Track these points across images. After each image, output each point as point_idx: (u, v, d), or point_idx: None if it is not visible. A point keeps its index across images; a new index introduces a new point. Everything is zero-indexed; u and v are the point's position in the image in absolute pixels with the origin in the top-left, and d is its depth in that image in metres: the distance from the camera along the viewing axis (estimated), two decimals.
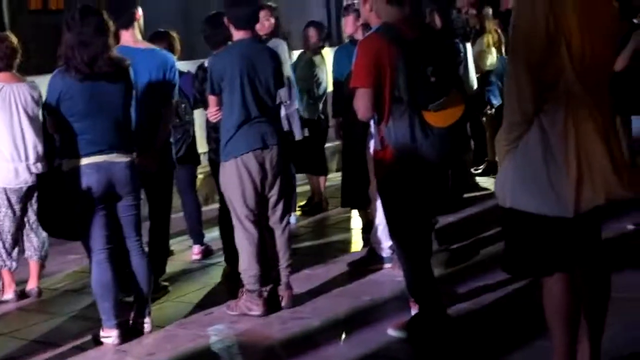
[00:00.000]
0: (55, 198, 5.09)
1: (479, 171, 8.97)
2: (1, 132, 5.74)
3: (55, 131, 5.08)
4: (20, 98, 5.76)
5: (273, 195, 5.35)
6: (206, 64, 5.81)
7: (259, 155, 5.23)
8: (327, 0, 13.09)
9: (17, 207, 5.84)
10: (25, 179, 5.78)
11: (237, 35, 5.33)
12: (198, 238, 6.85)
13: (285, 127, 6.56)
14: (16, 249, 5.93)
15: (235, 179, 5.25)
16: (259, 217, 5.34)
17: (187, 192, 6.81)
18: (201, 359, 4.78)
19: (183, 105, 6.39)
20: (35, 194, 5.72)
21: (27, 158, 5.77)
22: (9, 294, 5.94)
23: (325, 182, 8.15)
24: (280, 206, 5.40)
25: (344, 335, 4.91)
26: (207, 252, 6.79)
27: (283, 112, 6.66)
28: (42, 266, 6.06)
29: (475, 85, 7.95)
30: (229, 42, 5.56)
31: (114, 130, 4.92)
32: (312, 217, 7.92)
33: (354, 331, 4.92)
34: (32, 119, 5.78)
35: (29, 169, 5.77)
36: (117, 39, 5.33)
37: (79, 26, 4.81)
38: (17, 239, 5.92)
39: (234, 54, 5.26)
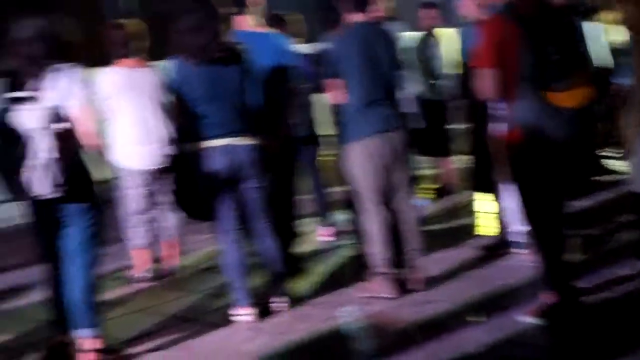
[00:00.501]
0: (188, 179, 5.24)
1: (610, 154, 8.76)
2: (127, 116, 5.94)
3: (179, 115, 5.23)
4: (143, 83, 5.94)
5: (398, 177, 5.37)
6: (323, 47, 5.86)
7: (382, 137, 5.25)
8: None
9: (147, 189, 6.03)
10: (153, 162, 5.95)
11: (352, 17, 5.35)
12: (325, 219, 6.93)
13: (404, 109, 6.56)
14: (149, 229, 6.13)
15: (360, 162, 5.29)
16: (385, 200, 5.37)
17: (311, 174, 6.91)
18: (334, 339, 4.85)
19: (303, 87, 6.45)
20: (170, 175, 5.90)
21: (154, 141, 5.95)
22: (144, 273, 6.16)
23: (452, 165, 8.11)
24: (405, 188, 5.41)
25: (476, 320, 4.90)
26: (335, 234, 6.87)
27: (403, 94, 6.67)
28: (177, 245, 6.26)
29: (603, 64, 7.77)
30: (343, 25, 5.60)
31: (235, 113, 5.03)
32: (442, 200, 7.92)
33: (487, 316, 4.91)
34: (157, 103, 5.94)
35: (156, 151, 5.94)
36: (234, 23, 5.42)
37: (190, 13, 4.94)
38: (150, 219, 6.12)
39: (352, 36, 5.28)
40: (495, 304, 5.07)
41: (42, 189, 4.32)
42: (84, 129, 4.41)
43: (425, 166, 8.27)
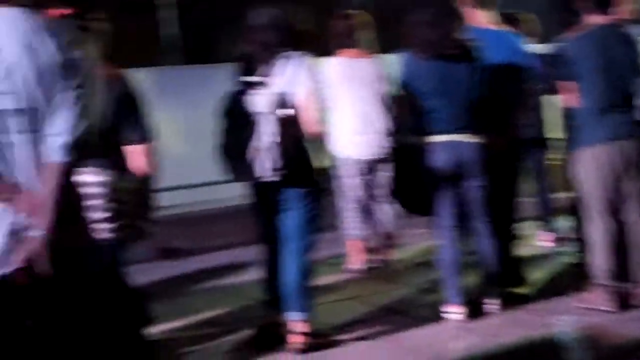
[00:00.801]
0: (409, 173, 5.29)
1: None
2: (347, 106, 6.05)
3: (406, 109, 5.26)
4: (364, 73, 6.02)
5: (628, 187, 5.16)
6: (558, 48, 5.70)
7: (615, 145, 5.06)
8: None
9: (363, 178, 6.12)
10: (369, 152, 6.05)
11: (591, 19, 5.17)
12: (547, 224, 6.78)
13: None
14: (365, 219, 6.22)
15: (589, 170, 5.13)
16: (613, 210, 5.17)
17: (537, 177, 6.78)
18: (546, 347, 4.73)
19: (535, 88, 6.33)
20: (387, 167, 5.98)
21: (371, 132, 6.03)
22: (359, 264, 6.26)
23: None
24: (634, 199, 5.19)
25: None
26: (556, 240, 6.71)
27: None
28: (392, 237, 6.32)
29: None
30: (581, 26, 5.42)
31: (462, 110, 5.02)
32: None
33: None
34: (376, 94, 6.02)
35: (373, 142, 6.02)
36: (467, 19, 5.39)
37: (426, 7, 4.97)
38: (366, 210, 6.21)
39: (589, 38, 5.11)
40: None
41: (263, 172, 4.49)
42: (308, 116, 4.53)
43: None
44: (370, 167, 6.13)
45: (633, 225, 5.21)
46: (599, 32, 5.12)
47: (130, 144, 4.09)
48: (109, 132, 3.96)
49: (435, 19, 4.96)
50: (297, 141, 4.54)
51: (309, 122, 4.54)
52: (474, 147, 5.05)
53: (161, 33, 8.46)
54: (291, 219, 4.67)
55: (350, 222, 6.24)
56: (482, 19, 5.52)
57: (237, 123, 4.58)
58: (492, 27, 5.56)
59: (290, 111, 4.49)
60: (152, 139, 4.16)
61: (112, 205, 4.07)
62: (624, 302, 5.15)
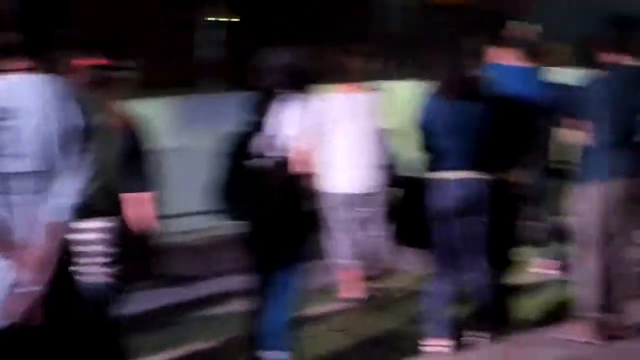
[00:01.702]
0: (409, 207, 5.70)
1: None
2: (339, 140, 6.41)
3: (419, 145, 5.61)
4: (357, 108, 6.44)
5: (619, 222, 5.52)
6: (578, 84, 5.85)
7: (620, 183, 5.42)
8: None
9: (353, 211, 6.50)
10: (359, 186, 6.45)
11: (614, 58, 5.48)
12: (546, 252, 7.11)
13: None
14: (356, 250, 6.54)
15: (593, 204, 5.45)
16: (606, 243, 5.49)
17: (539, 203, 7.02)
18: None
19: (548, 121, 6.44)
20: (378, 200, 6.43)
21: (362, 166, 6.45)
22: (351, 292, 6.59)
23: None
24: (623, 234, 5.55)
25: None
26: (553, 267, 7.01)
27: None
28: (383, 267, 6.67)
29: None
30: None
31: (472, 148, 5.42)
32: None
33: None
34: (369, 128, 6.44)
35: (364, 176, 6.44)
36: (489, 57, 5.76)
37: (445, 49, 5.37)
38: (357, 241, 6.55)
39: (610, 79, 5.45)
40: None
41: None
42: (299, 158, 4.83)
43: None
44: (361, 200, 6.44)
45: (620, 259, 5.53)
46: (618, 74, 5.46)
47: (131, 193, 4.39)
48: (114, 181, 4.28)
49: (451, 59, 5.33)
50: (287, 183, 4.85)
51: (300, 164, 4.84)
52: (480, 184, 5.38)
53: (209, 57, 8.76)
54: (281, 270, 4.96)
55: (340, 252, 6.54)
56: (504, 56, 5.84)
57: (235, 162, 4.89)
58: (515, 63, 5.86)
59: (280, 154, 4.82)
60: (151, 189, 4.44)
61: (113, 250, 4.38)
62: (608, 334, 5.48)
